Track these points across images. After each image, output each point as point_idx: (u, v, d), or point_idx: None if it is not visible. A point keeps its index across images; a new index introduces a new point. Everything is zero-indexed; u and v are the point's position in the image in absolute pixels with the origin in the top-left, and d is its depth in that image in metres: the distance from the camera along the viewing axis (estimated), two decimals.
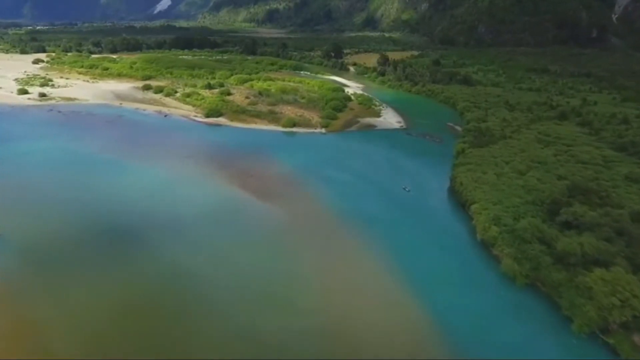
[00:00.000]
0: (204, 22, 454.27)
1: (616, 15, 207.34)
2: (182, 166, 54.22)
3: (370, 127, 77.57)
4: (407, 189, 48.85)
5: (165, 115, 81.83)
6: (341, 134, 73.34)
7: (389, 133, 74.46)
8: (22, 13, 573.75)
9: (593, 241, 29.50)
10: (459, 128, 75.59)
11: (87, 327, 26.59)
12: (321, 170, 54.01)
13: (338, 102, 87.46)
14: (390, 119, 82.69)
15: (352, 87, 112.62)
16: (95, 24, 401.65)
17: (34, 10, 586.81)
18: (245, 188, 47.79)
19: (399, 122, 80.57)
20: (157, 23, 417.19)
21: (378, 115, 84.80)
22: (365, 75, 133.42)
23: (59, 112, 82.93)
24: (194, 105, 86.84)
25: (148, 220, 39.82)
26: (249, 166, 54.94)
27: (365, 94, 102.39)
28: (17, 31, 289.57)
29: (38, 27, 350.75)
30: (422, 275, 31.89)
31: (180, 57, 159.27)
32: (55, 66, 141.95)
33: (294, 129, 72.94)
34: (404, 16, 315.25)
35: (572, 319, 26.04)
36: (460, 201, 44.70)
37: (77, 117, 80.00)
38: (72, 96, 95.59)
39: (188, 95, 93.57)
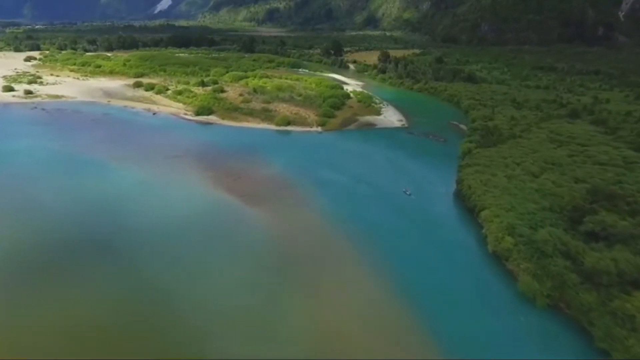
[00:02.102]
0: (204, 21, 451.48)
1: (623, 13, 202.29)
2: (165, 167, 50.01)
3: (370, 125, 73.25)
4: (407, 192, 44.53)
5: (154, 113, 77.76)
6: (339, 132, 69.03)
7: (389, 132, 70.13)
8: (22, 13, 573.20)
9: (629, 257, 25.11)
10: (463, 127, 71.30)
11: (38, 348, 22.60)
12: (315, 171, 49.71)
13: (336, 100, 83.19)
14: (391, 117, 78.37)
15: (352, 85, 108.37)
16: (94, 24, 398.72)
17: (34, 10, 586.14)
18: (231, 192, 43.55)
19: (400, 120, 76.24)
20: (157, 22, 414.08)
21: (378, 113, 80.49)
22: (366, 73, 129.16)
23: (43, 109, 78.98)
24: (184, 103, 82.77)
25: (121, 228, 35.63)
26: (237, 167, 50.68)
27: (365, 91, 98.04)
28: (15, 30, 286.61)
29: (37, 27, 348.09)
30: (427, 295, 27.55)
31: (177, 55, 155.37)
32: (47, 64, 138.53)
33: (289, 128, 68.66)
34: (406, 15, 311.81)
35: (610, 352, 21.68)
36: (468, 206, 40.31)
37: (61, 115, 75.99)
38: (59, 93, 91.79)
39: (179, 92, 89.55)
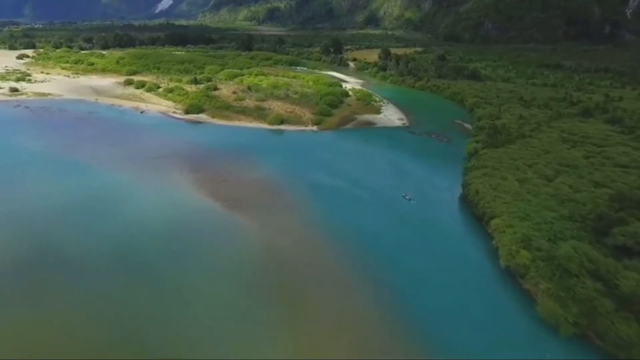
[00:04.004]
0: (204, 21, 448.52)
1: (630, 10, 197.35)
2: (145, 170, 46.12)
3: (369, 124, 69.14)
4: (407, 197, 40.39)
5: (142, 112, 74.03)
6: (335, 132, 64.94)
7: (389, 131, 66.00)
8: (23, 13, 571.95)
9: None
10: (468, 126, 67.18)
11: None
12: (307, 174, 45.65)
13: (334, 98, 79.13)
14: (391, 116, 74.26)
15: (351, 83, 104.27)
16: (93, 23, 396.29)
17: (34, 10, 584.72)
18: (215, 196, 39.57)
19: (401, 119, 72.12)
20: (157, 22, 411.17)
21: (378, 111, 76.38)
22: (366, 71, 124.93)
23: (27, 107, 75.53)
24: (174, 101, 78.97)
25: (91, 239, 31.71)
26: (223, 169, 46.73)
27: (365, 89, 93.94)
28: (13, 29, 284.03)
29: (35, 26, 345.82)
30: (432, 322, 23.48)
31: (172, 53, 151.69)
32: (40, 61, 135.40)
33: (282, 127, 64.62)
34: (407, 14, 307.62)
35: None
36: (475, 214, 36.17)
37: (44, 114, 72.38)
38: (46, 91, 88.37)
39: (170, 90, 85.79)
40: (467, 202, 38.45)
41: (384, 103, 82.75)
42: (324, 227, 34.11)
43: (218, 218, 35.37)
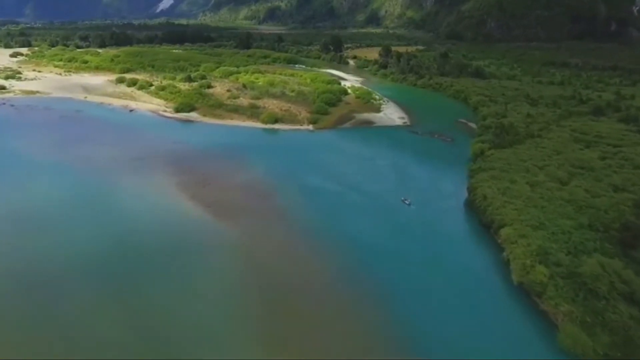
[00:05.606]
0: (204, 20, 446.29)
1: (637, 8, 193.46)
2: (126, 172, 42.87)
3: (368, 123, 65.79)
4: (407, 202, 37.04)
5: (131, 110, 70.91)
6: (333, 131, 61.61)
7: (389, 131, 62.65)
8: (24, 13, 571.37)
9: None
10: (473, 125, 63.81)
11: None
12: (299, 177, 42.30)
13: (331, 96, 75.77)
14: (391, 114, 70.87)
15: (350, 81, 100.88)
16: (93, 22, 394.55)
17: (35, 10, 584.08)
18: (199, 201, 36.33)
19: (402, 118, 68.75)
20: (156, 21, 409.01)
21: (378, 110, 73.03)
22: (366, 69, 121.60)
23: (12, 105, 72.64)
24: (165, 99, 75.84)
25: (50, 252, 28.49)
26: (210, 172, 43.43)
27: (364, 87, 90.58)
28: (12, 28, 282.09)
29: (35, 25, 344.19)
30: (437, 349, 20.09)
31: (169, 51, 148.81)
32: (33, 59, 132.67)
33: (276, 126, 61.34)
34: (409, 13, 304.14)
35: None
36: (483, 221, 32.77)
37: (29, 112, 69.44)
38: (34, 89, 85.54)
39: (162, 88, 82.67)
40: (474, 208, 35.06)
41: (384, 101, 79.38)
42: (315, 236, 30.79)
43: (200, 226, 32.08)
